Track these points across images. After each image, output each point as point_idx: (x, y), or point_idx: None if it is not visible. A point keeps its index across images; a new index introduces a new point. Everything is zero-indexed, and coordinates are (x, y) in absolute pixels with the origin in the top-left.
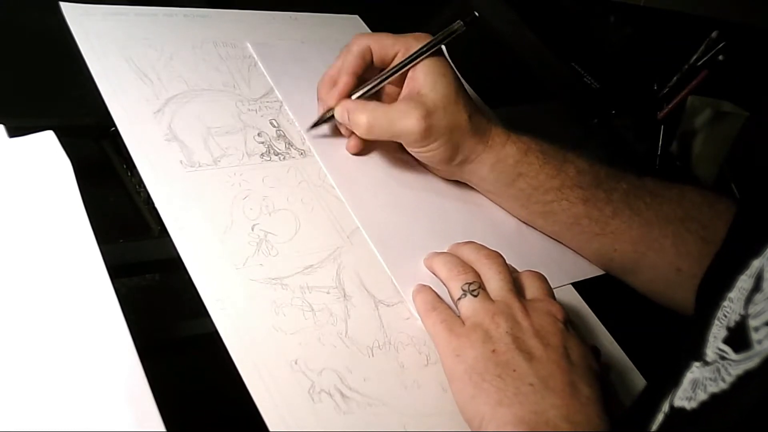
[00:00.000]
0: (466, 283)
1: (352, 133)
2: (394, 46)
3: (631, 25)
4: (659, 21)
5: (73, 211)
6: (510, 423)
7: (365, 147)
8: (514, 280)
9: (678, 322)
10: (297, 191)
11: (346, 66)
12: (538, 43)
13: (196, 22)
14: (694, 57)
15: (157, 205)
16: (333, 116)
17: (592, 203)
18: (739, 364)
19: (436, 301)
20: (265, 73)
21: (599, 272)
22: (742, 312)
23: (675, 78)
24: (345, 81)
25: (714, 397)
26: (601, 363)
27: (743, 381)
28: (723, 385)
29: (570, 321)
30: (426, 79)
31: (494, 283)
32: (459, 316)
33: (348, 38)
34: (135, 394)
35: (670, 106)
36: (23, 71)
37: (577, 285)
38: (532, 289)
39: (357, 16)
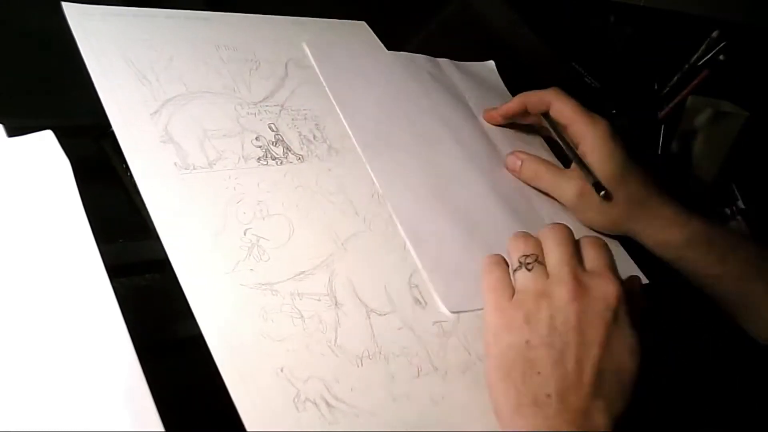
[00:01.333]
0: (524, 255)
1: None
2: (542, 100)
3: (631, 25)
4: (659, 21)
5: (72, 211)
6: None
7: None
8: (579, 249)
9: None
10: (292, 197)
11: (521, 100)
12: (539, 43)
13: (198, 24)
14: (695, 57)
15: (148, 206)
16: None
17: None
18: None
19: (497, 264)
20: (321, 78)
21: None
22: None
23: (675, 78)
24: (515, 103)
25: None
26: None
27: None
28: None
29: (624, 306)
30: (594, 152)
31: (553, 255)
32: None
33: (355, 44)
34: (134, 395)
35: (670, 105)
36: (23, 71)
37: None
38: (591, 261)
39: (364, 23)
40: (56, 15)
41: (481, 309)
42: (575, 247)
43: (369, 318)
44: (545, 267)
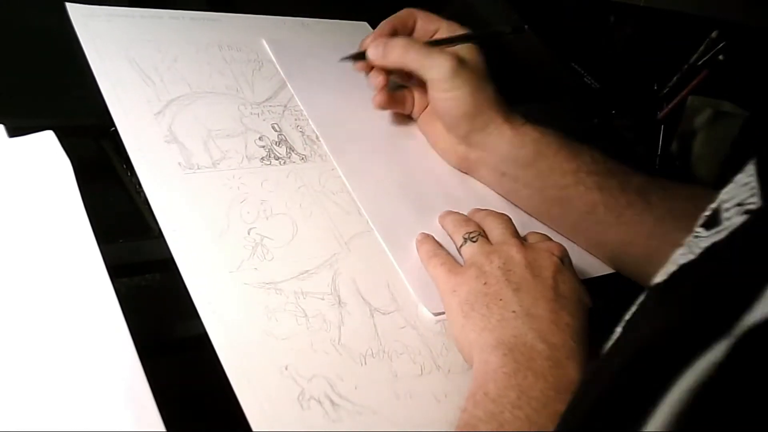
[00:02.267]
0: (467, 232)
1: (382, 83)
2: (436, 22)
3: (631, 25)
4: (659, 21)
5: (73, 211)
6: (491, 345)
7: (390, 103)
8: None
9: None
10: (296, 196)
11: (388, 21)
12: (538, 43)
13: (203, 25)
14: (694, 57)
15: (152, 206)
16: (364, 57)
17: (608, 191)
18: (708, 239)
19: (437, 249)
20: (278, 68)
21: (607, 270)
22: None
23: (675, 78)
24: (383, 28)
25: (682, 268)
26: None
27: (710, 250)
28: (691, 257)
29: (569, 259)
30: (461, 47)
31: (496, 231)
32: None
33: (356, 45)
34: (135, 394)
35: (670, 106)
36: (23, 71)
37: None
38: (532, 237)
39: (366, 23)
40: (57, 15)
41: None
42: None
43: (372, 317)
44: (488, 240)
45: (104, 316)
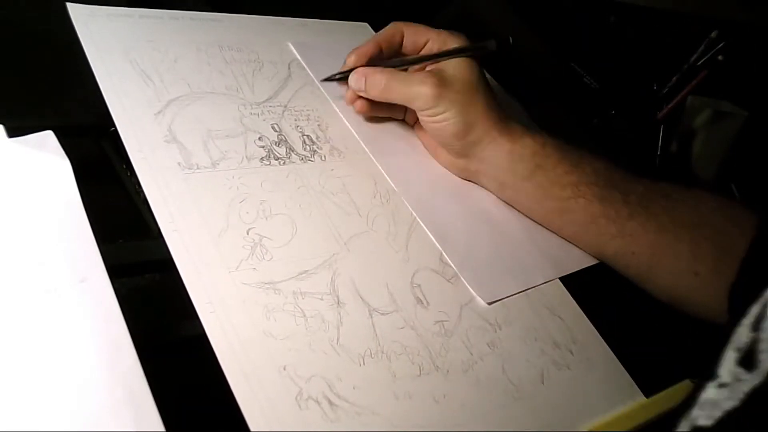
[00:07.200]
0: None
1: (360, 98)
2: (426, 34)
3: (631, 26)
4: (659, 21)
5: (73, 211)
6: None
7: (374, 110)
8: None
9: (686, 342)
10: (295, 196)
11: (374, 38)
12: (538, 43)
13: (203, 25)
14: (694, 57)
15: (152, 205)
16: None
17: (609, 203)
18: (748, 383)
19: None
20: (307, 70)
21: (592, 261)
22: (752, 335)
23: (675, 78)
24: (367, 46)
25: (729, 414)
26: None
27: (751, 396)
28: (735, 403)
29: None
30: (449, 61)
31: None
32: None
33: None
34: (134, 395)
35: (669, 106)
36: (23, 71)
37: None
38: None
39: (366, 24)
40: (57, 15)
41: (516, 294)
42: None
43: (371, 317)
44: None
45: (104, 317)
